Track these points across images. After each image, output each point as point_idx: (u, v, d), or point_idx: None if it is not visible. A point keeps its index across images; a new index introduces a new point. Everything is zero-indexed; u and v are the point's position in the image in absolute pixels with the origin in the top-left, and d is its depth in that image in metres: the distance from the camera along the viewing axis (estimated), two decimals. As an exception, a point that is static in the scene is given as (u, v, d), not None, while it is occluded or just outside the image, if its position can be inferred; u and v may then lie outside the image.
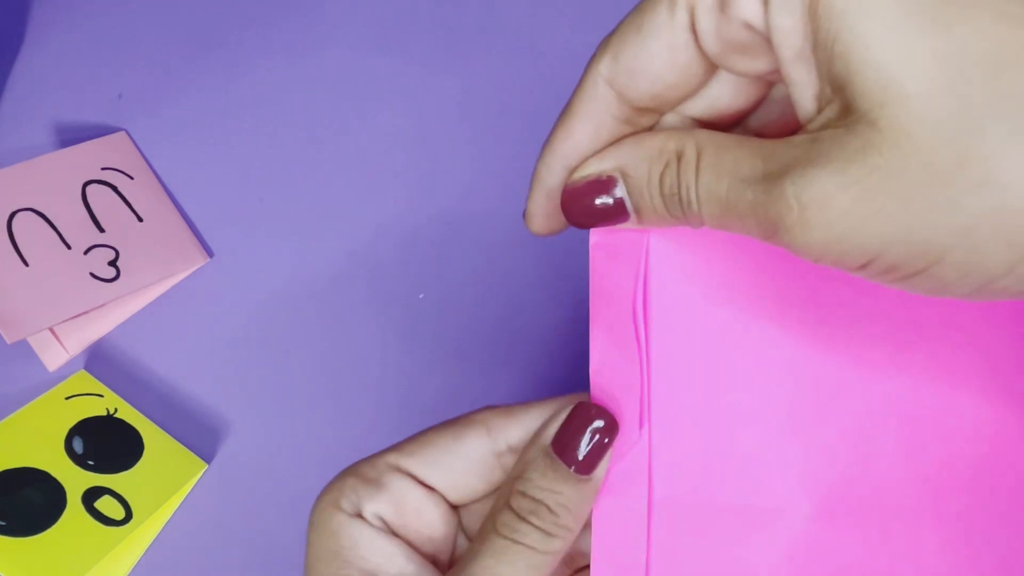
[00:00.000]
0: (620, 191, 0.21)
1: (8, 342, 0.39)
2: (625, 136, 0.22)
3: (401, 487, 0.23)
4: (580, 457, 0.22)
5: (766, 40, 0.19)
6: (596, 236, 0.23)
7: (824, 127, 0.18)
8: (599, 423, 0.22)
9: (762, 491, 0.22)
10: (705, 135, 0.20)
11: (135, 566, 0.40)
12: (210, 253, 0.45)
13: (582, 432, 0.22)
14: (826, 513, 0.22)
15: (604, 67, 0.20)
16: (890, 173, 0.16)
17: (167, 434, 0.43)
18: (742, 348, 0.22)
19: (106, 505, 0.40)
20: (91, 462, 0.41)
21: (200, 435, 0.43)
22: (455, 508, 0.25)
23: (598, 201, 0.21)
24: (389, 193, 0.44)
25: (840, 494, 0.22)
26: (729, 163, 0.19)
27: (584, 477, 0.22)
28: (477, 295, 0.43)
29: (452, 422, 0.24)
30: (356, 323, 0.43)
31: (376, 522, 0.23)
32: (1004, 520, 0.23)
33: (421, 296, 0.43)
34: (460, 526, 0.25)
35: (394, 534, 0.23)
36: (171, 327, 0.44)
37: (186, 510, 0.41)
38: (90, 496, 0.40)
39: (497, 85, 0.45)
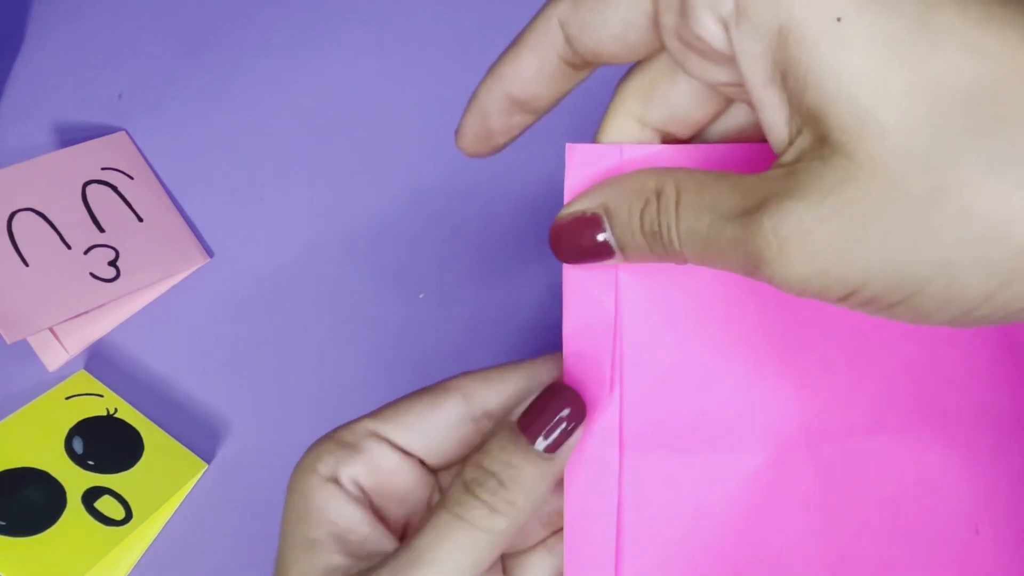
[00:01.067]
0: (605, 228, 0.21)
1: (8, 342, 0.39)
2: (610, 177, 0.22)
3: (378, 451, 0.24)
4: (545, 437, 0.22)
5: (728, 57, 0.19)
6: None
7: (799, 159, 0.18)
8: (567, 410, 0.22)
9: (726, 443, 0.23)
10: (684, 173, 0.20)
11: (135, 566, 0.40)
12: (210, 253, 0.45)
13: (551, 414, 0.22)
14: (784, 459, 0.23)
15: (562, 10, 0.20)
16: (868, 206, 0.17)
17: (167, 434, 0.43)
18: (708, 311, 0.23)
19: (106, 505, 0.40)
20: (91, 462, 0.41)
21: (200, 435, 0.43)
22: (434, 472, 0.25)
23: (583, 239, 0.22)
24: (389, 193, 0.44)
25: (795, 442, 0.23)
26: (708, 200, 0.19)
27: (545, 455, 0.22)
28: (477, 295, 0.43)
29: (429, 389, 0.25)
30: (356, 323, 0.43)
31: (352, 486, 0.24)
32: (950, 443, 0.24)
33: (421, 296, 0.43)
34: (439, 489, 0.25)
35: (369, 499, 0.24)
36: (171, 327, 0.44)
37: (186, 510, 0.41)
38: (90, 496, 0.40)
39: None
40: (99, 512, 0.40)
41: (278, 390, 0.42)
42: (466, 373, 0.25)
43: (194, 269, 0.44)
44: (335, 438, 0.24)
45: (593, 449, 0.23)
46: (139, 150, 0.45)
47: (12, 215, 0.42)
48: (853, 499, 0.24)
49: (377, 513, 0.24)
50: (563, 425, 0.22)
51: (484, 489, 0.21)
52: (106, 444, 0.41)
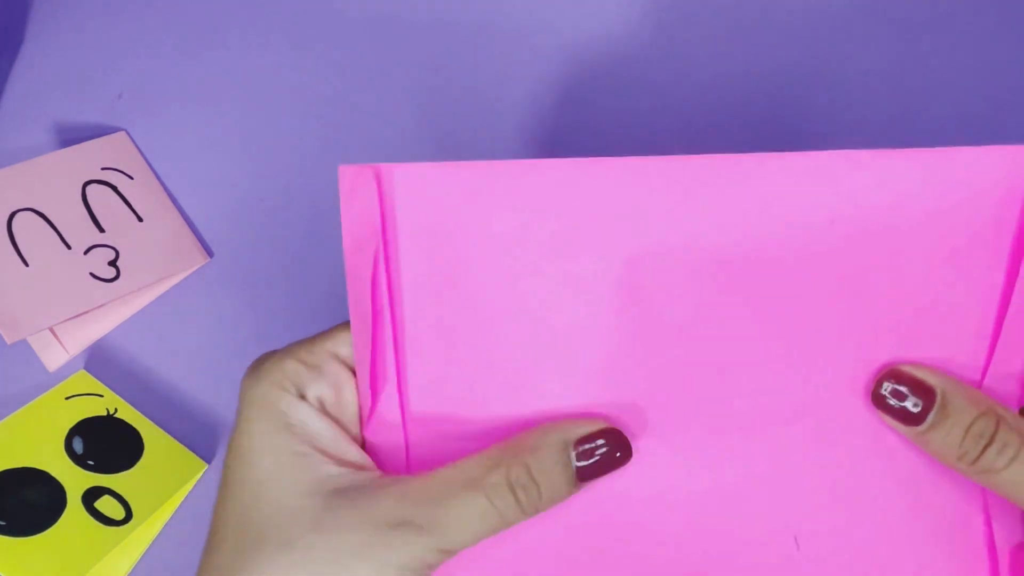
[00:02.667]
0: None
1: (8, 342, 0.39)
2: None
3: (339, 373, 0.25)
4: (587, 469, 0.24)
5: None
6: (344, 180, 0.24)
7: None
8: (619, 453, 0.24)
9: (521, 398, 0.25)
10: None
11: (135, 566, 0.40)
12: (210, 253, 0.45)
13: (604, 453, 0.24)
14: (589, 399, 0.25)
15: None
16: None
17: (167, 434, 0.43)
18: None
19: (106, 505, 0.40)
20: (91, 462, 0.41)
21: (200, 435, 0.43)
22: None
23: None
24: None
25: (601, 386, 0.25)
26: None
27: (580, 484, 0.24)
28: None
29: None
30: (356, 323, 0.43)
31: (318, 404, 0.25)
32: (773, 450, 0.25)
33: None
34: None
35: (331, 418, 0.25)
36: (171, 327, 0.44)
37: (186, 510, 0.41)
38: (90, 496, 0.40)
39: (499, 84, 0.45)
40: (99, 512, 0.40)
41: (278, 390, 0.42)
42: None
43: (194, 269, 0.44)
44: (297, 357, 0.25)
45: (383, 410, 0.25)
46: (139, 150, 0.45)
47: (12, 215, 0.42)
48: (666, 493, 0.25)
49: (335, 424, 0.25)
50: (607, 463, 0.24)
51: (526, 493, 0.23)
52: (106, 444, 0.41)
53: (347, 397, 0.26)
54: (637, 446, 0.25)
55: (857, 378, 0.24)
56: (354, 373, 0.26)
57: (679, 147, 0.44)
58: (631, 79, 0.44)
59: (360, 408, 0.26)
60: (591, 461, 0.23)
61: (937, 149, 0.23)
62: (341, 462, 0.24)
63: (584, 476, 0.23)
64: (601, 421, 0.24)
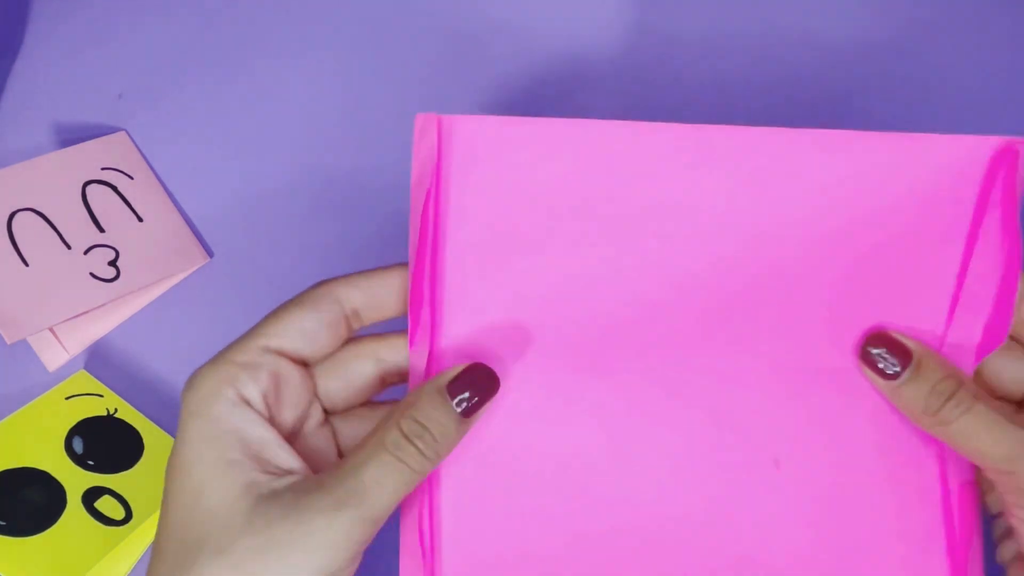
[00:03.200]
0: None
1: (8, 342, 0.39)
2: None
3: (272, 363, 0.27)
4: (466, 403, 0.27)
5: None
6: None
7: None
8: (486, 384, 0.28)
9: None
10: None
11: (135, 566, 0.40)
12: (210, 253, 0.45)
13: (473, 387, 0.27)
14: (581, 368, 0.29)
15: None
16: None
17: (167, 434, 0.43)
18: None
19: (106, 505, 0.40)
20: (91, 462, 0.41)
21: (200, 435, 0.43)
22: (310, 367, 0.29)
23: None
24: (389, 193, 0.44)
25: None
26: None
27: (465, 420, 0.27)
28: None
29: (301, 296, 0.29)
30: (356, 323, 0.43)
31: (259, 404, 0.27)
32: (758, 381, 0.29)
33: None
34: (316, 387, 0.29)
35: (270, 410, 0.27)
36: (171, 327, 0.44)
37: (186, 510, 0.41)
38: (90, 496, 0.40)
39: (498, 83, 0.45)
40: (99, 512, 0.40)
41: (278, 390, 0.42)
42: (325, 281, 0.29)
43: (194, 269, 0.44)
44: (231, 360, 0.27)
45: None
46: (139, 150, 0.45)
47: (12, 215, 0.42)
48: (652, 432, 0.29)
49: (273, 421, 0.27)
50: (478, 397, 0.27)
51: (421, 440, 0.26)
52: (106, 444, 0.41)
53: (289, 387, 0.28)
54: (639, 384, 0.29)
55: (838, 337, 0.29)
56: (287, 357, 0.28)
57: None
58: (631, 79, 0.45)
59: (410, 332, 0.29)
60: (466, 395, 0.27)
61: (906, 134, 0.27)
62: (273, 468, 0.26)
63: (467, 413, 0.27)
64: (465, 363, 0.28)
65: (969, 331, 0.28)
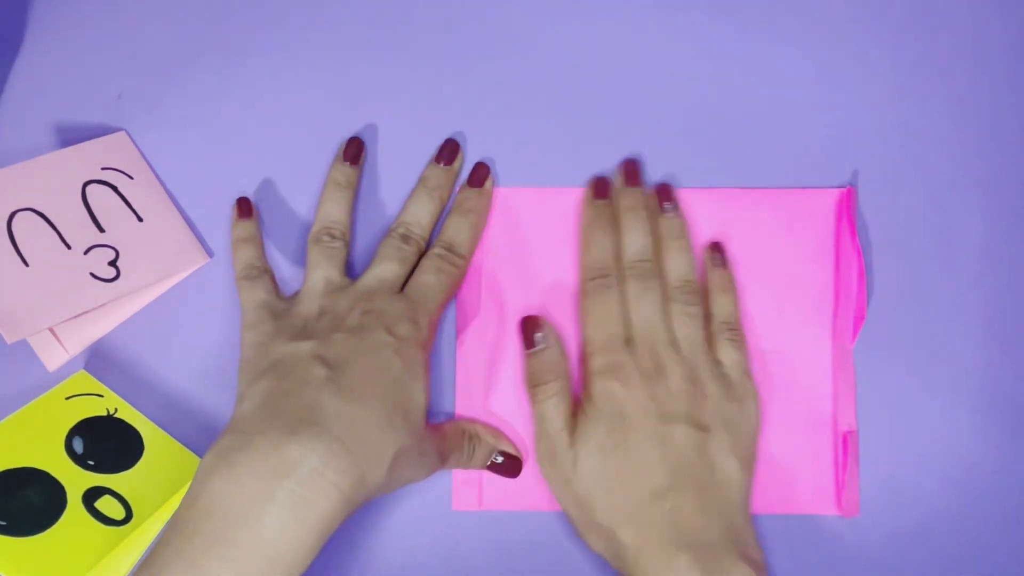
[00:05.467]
0: None
1: (8, 342, 0.39)
2: None
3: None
4: (493, 467, 0.42)
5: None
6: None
7: None
8: (513, 471, 0.42)
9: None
10: None
11: (135, 566, 0.40)
12: (210, 253, 0.45)
13: (506, 466, 0.42)
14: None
15: None
16: None
17: (167, 434, 0.43)
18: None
19: (106, 505, 0.40)
20: (91, 462, 0.41)
21: (200, 435, 0.43)
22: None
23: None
24: (389, 193, 0.44)
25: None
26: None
27: (484, 468, 0.42)
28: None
29: None
30: (356, 323, 0.43)
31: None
32: None
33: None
34: None
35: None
36: (171, 327, 0.44)
37: (186, 510, 0.41)
38: (90, 496, 0.40)
39: (498, 83, 0.45)
40: (99, 512, 0.40)
41: (278, 390, 0.42)
42: None
43: (194, 269, 0.44)
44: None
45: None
46: (139, 150, 0.45)
47: (12, 215, 0.42)
48: None
49: None
50: (501, 472, 0.42)
51: (467, 457, 0.41)
52: (106, 444, 0.41)
53: None
54: None
55: (756, 325, 0.43)
56: None
57: (677, 148, 0.44)
58: (629, 79, 0.45)
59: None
60: (498, 463, 0.41)
61: (781, 189, 0.43)
62: None
63: (490, 468, 0.42)
64: (518, 451, 0.42)
65: (846, 320, 0.42)
